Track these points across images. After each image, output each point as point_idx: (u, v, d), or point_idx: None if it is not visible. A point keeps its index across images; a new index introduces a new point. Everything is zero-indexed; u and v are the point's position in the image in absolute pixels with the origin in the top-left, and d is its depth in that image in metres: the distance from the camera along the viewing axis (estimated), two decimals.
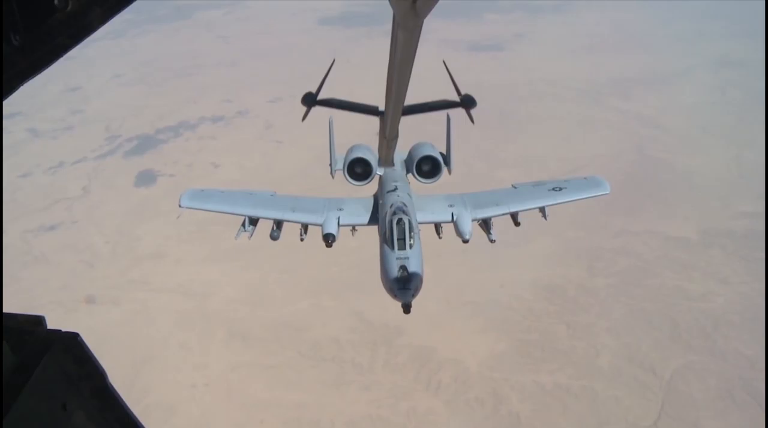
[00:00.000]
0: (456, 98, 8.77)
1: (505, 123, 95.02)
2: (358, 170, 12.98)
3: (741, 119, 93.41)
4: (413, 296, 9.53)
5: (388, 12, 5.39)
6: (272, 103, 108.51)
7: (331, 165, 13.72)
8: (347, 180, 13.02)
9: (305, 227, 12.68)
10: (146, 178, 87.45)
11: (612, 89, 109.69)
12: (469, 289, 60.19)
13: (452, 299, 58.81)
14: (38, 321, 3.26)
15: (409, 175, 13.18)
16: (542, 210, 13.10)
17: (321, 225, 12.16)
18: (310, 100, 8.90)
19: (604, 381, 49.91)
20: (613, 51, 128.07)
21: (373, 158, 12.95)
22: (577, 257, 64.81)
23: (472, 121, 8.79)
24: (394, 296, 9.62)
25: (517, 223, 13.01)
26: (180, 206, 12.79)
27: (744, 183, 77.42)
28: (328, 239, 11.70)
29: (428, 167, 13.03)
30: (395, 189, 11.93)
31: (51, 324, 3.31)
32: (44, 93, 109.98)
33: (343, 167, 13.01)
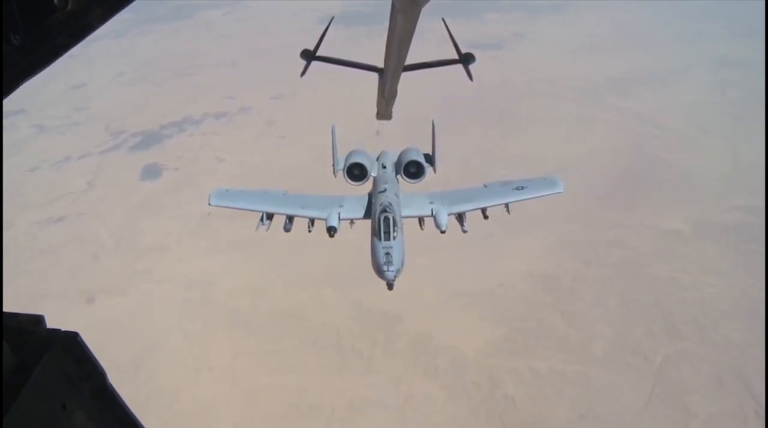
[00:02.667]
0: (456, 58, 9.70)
1: (504, 122, 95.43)
2: (356, 172, 15.56)
3: (740, 119, 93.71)
4: (395, 277, 12.59)
5: (387, 12, 5.83)
6: (274, 100, 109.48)
7: (333, 165, 16.15)
8: (346, 180, 15.53)
9: (312, 221, 15.05)
10: (151, 172, 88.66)
11: (612, 89, 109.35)
12: (465, 280, 61.10)
13: (449, 289, 59.87)
14: (38, 320, 3.22)
15: (398, 176, 15.67)
16: (506, 205, 15.44)
17: (325, 220, 14.63)
18: (309, 56, 9.78)
19: (597, 366, 51.05)
20: (613, 51, 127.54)
21: (368, 163, 15.58)
22: (573, 249, 65.63)
23: (471, 77, 9.84)
24: (380, 276, 12.63)
25: (485, 217, 15.43)
26: (209, 204, 15.24)
27: (739, 178, 78.03)
28: (331, 231, 14.28)
29: (414, 169, 15.56)
30: (384, 190, 14.52)
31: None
32: (48, 90, 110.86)
33: (344, 169, 15.51)
